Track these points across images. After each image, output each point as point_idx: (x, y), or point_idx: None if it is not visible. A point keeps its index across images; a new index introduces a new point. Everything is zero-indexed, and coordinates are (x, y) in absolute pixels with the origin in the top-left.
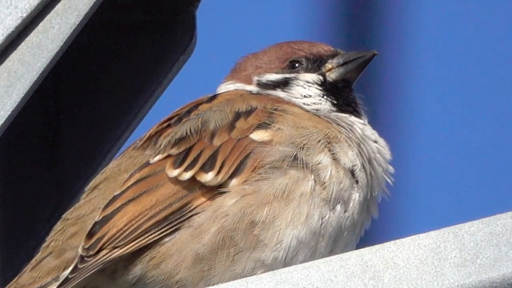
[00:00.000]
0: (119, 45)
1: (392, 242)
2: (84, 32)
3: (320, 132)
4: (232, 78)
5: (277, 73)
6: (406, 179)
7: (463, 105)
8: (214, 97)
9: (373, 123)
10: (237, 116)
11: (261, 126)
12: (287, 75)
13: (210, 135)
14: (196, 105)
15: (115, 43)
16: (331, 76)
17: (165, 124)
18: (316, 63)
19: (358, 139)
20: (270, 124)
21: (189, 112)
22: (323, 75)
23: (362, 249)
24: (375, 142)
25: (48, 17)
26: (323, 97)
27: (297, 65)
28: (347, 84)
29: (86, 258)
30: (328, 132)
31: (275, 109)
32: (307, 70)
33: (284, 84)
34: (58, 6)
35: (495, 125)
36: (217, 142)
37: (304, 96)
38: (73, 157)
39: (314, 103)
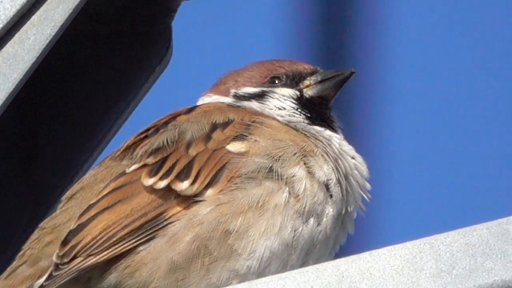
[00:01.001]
0: (95, 56)
1: (368, 252)
2: (60, 43)
3: (296, 145)
4: (211, 91)
5: (254, 86)
6: (382, 189)
7: (437, 119)
8: (192, 108)
9: (349, 138)
10: (214, 127)
11: (237, 137)
12: (264, 89)
13: (186, 145)
14: (174, 117)
15: (91, 54)
16: (308, 92)
17: (143, 135)
18: (295, 80)
19: (335, 154)
20: (246, 136)
21: (166, 123)
22: (300, 91)
23: (338, 260)
24: (353, 158)
25: (24, 28)
26: (297, 110)
27: (277, 81)
28: (324, 101)
29: (60, 266)
30: (304, 146)
31: (253, 122)
32: (286, 86)
33: (259, 96)
34: (34, 17)
35: (468, 139)
36: (193, 152)
37: (279, 108)
38: (50, 167)
39: (288, 115)
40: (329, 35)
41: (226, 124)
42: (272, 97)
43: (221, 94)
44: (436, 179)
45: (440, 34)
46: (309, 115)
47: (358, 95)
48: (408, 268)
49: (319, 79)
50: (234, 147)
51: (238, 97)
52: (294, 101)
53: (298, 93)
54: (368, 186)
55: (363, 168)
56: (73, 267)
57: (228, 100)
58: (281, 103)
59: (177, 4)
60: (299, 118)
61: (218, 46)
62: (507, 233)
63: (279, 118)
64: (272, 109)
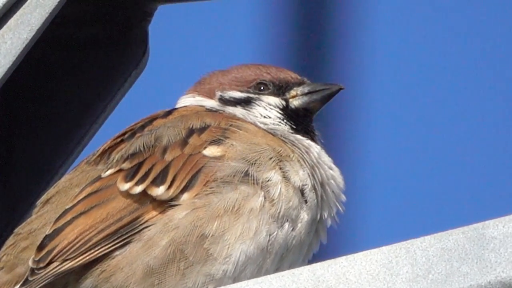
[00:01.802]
0: (71, 60)
1: (344, 257)
2: (37, 47)
3: (273, 150)
4: (194, 91)
5: (241, 91)
6: (358, 193)
7: (410, 125)
8: (170, 112)
9: (326, 146)
10: (191, 132)
11: (214, 142)
12: (251, 95)
13: (162, 150)
14: (151, 120)
15: (68, 58)
16: (294, 103)
17: (119, 139)
18: (281, 89)
19: (312, 162)
20: (223, 140)
21: (143, 127)
22: (286, 100)
23: (314, 264)
24: (330, 169)
25: (0, 32)
26: (282, 120)
27: (262, 87)
28: (308, 113)
29: (36, 271)
30: (281, 150)
31: (230, 126)
32: (272, 94)
33: (245, 102)
34: (11, 21)
35: (442, 144)
36: (168, 157)
37: (264, 117)
38: (25, 171)
39: (273, 124)
40: (307, 39)
41: (202, 129)
42: (258, 105)
43: (205, 95)
44: (412, 184)
45: (418, 40)
46: (293, 126)
47: (334, 103)
48: (384, 273)
49: (306, 90)
50: (210, 151)
51: (223, 100)
52: (279, 111)
53: (284, 102)
54: (343, 198)
55: (340, 180)
56: (49, 272)
57: (211, 103)
58: (267, 111)
59: (154, 8)
60: (283, 128)
61: (194, 50)
62: (483, 238)
63: (261, 125)
64: (257, 116)
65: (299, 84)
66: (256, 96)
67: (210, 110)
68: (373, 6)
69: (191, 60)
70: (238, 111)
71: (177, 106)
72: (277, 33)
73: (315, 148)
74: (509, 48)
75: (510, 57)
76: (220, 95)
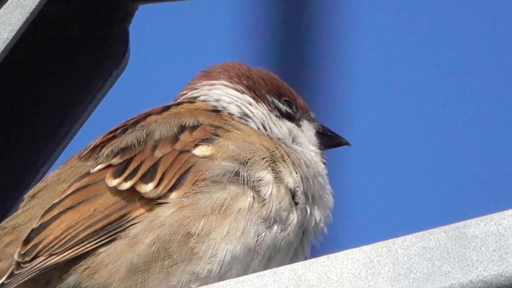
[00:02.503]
0: (52, 60)
1: (326, 256)
2: (18, 47)
3: (266, 150)
4: (232, 80)
5: (282, 104)
6: (340, 193)
7: (393, 123)
8: (166, 108)
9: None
10: (182, 129)
11: (205, 140)
12: (296, 115)
13: (152, 147)
14: (145, 116)
15: (49, 58)
16: None
17: (111, 135)
18: (307, 117)
19: (309, 170)
20: (214, 139)
21: (136, 123)
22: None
23: (295, 264)
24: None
25: None
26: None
27: (291, 106)
28: None
29: (22, 264)
30: (275, 151)
31: (223, 125)
32: (307, 120)
33: (295, 120)
34: None
35: (424, 142)
36: (158, 153)
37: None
38: (6, 172)
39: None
40: (288, 39)
41: (195, 127)
42: (303, 125)
43: (256, 94)
44: (393, 183)
45: (403, 41)
46: None
47: (317, 102)
48: (365, 272)
49: (320, 130)
50: (200, 150)
51: (279, 110)
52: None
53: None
54: (330, 219)
55: (330, 203)
56: (35, 266)
57: (262, 110)
58: (310, 137)
59: (134, 7)
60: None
61: (175, 50)
62: (464, 237)
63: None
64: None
65: (313, 119)
66: (300, 117)
67: (206, 109)
68: (354, 6)
69: (172, 60)
70: (289, 127)
71: (210, 95)
72: (259, 33)
73: (321, 164)
74: (496, 43)
75: (496, 53)
76: (273, 103)
